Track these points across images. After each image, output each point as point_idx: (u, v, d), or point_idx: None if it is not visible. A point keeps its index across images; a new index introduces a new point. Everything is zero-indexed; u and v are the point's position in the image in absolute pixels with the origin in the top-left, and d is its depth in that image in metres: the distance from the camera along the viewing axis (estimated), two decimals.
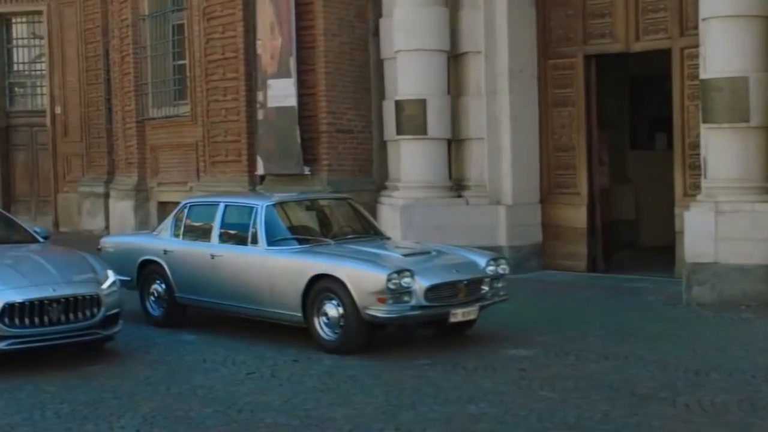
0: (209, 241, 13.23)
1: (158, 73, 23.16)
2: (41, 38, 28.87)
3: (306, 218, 13.84)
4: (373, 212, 17.58)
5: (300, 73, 18.96)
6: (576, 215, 18.22)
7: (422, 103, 17.89)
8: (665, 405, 9.13)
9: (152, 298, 13.91)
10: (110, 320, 11.58)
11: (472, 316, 12.05)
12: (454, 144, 18.48)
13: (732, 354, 11.26)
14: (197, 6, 21.29)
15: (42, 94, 29.12)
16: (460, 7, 18.31)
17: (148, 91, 23.36)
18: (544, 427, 8.58)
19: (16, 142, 29.32)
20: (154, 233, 14.63)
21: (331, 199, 14.88)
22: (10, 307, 10.82)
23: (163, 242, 13.87)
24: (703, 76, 14.60)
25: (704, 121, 14.61)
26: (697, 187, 15.47)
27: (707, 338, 12.25)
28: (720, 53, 14.28)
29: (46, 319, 11.00)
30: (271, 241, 12.54)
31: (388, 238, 13.72)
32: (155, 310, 13.88)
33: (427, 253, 12.55)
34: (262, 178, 19.86)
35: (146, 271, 13.96)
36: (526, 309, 14.23)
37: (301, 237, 12.96)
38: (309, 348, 11.75)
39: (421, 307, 11.49)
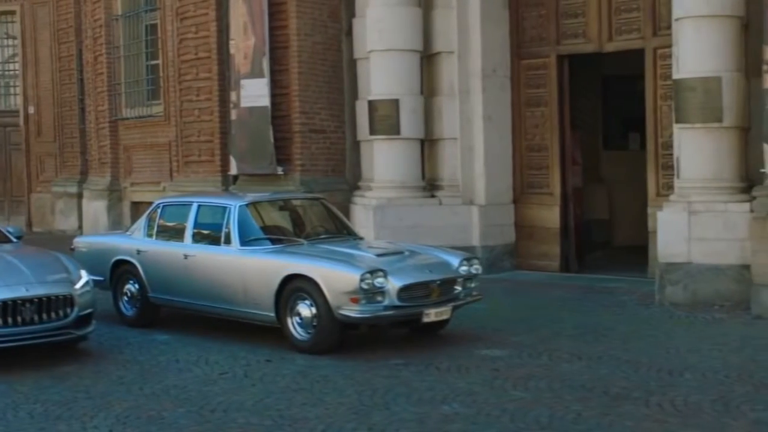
0: (182, 241, 13.18)
1: (131, 73, 23.09)
2: (14, 38, 28.77)
3: (279, 218, 13.82)
4: (346, 212, 17.59)
5: (273, 73, 18.92)
6: (549, 215, 18.25)
7: (395, 103, 17.89)
8: (638, 405, 9.15)
9: (125, 298, 13.86)
10: (83, 320, 11.54)
11: (445, 316, 12.05)
12: (427, 144, 18.47)
13: (705, 354, 11.29)
14: (170, 6, 21.23)
15: (15, 94, 29.01)
16: (433, 6, 18.31)
17: (121, 91, 23.27)
18: (517, 427, 8.58)
19: None
20: (128, 233, 14.57)
21: (304, 199, 14.84)
22: None
23: (136, 242, 13.82)
24: (676, 76, 14.64)
25: (677, 121, 14.64)
26: (670, 187, 15.53)
27: (680, 338, 12.28)
28: (693, 53, 14.32)
29: (19, 319, 10.94)
30: (245, 241, 12.51)
31: (361, 238, 13.72)
32: (128, 310, 13.83)
33: (400, 253, 12.53)
34: (235, 178, 19.81)
35: (119, 271, 13.91)
36: (499, 309, 14.24)
37: (274, 237, 12.93)
38: (282, 348, 11.73)
39: (394, 307, 11.46)
